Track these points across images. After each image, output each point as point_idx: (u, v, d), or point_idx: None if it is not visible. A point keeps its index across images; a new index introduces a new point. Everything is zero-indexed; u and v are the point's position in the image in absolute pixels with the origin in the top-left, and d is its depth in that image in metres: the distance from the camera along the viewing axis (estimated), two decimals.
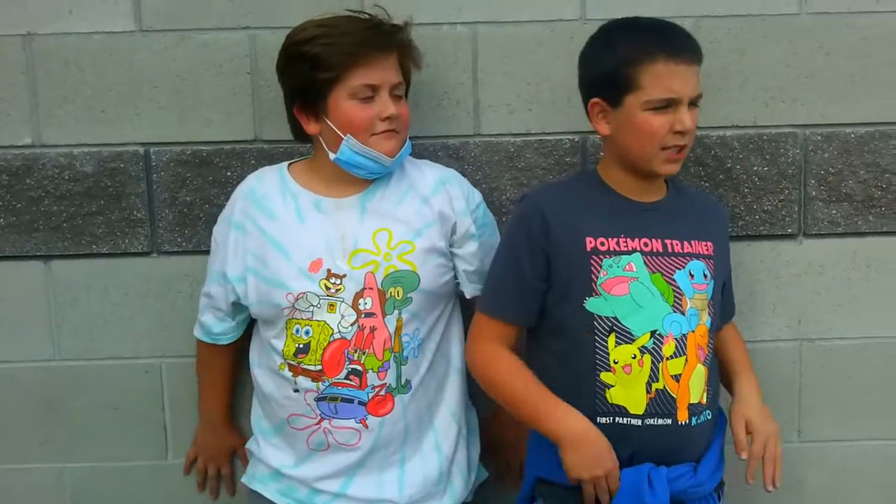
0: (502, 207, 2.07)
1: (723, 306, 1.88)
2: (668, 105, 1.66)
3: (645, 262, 1.71)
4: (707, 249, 1.77)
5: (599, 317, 1.69)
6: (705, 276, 1.76)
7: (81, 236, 2.10)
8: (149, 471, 2.18)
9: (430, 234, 1.85)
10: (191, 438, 2.15)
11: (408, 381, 1.84)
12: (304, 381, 1.81)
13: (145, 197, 2.09)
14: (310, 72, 1.78)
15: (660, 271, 1.72)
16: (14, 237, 2.10)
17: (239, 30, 2.03)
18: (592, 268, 1.70)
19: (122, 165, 2.07)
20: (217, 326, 1.97)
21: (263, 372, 1.89)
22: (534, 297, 1.74)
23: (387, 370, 1.82)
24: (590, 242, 1.71)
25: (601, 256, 1.70)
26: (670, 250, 1.74)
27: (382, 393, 1.82)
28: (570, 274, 1.71)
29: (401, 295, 1.81)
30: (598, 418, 1.69)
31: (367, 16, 1.85)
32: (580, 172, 1.97)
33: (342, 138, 1.79)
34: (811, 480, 2.20)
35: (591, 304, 1.70)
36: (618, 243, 1.72)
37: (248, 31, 2.03)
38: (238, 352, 2.03)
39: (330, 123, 1.81)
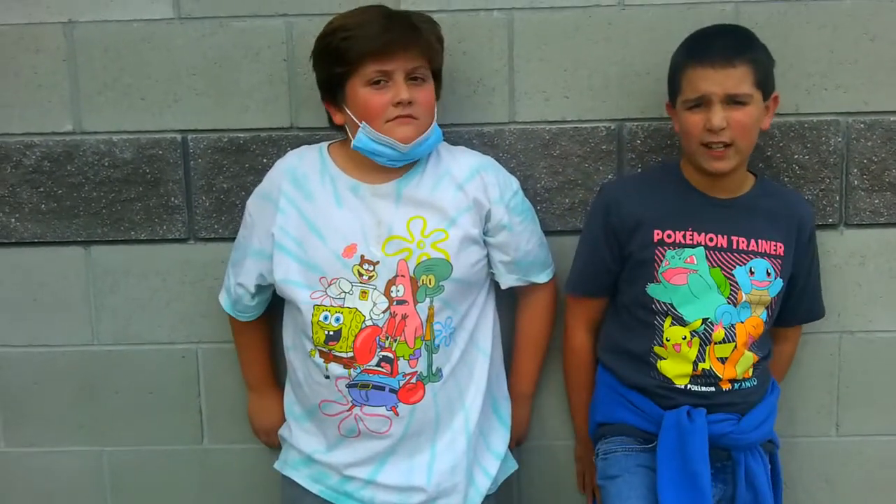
0: (537, 195, 2.06)
1: (792, 306, 1.95)
2: (699, 104, 1.76)
3: (707, 256, 1.83)
4: (776, 249, 1.85)
5: (658, 301, 1.85)
6: (769, 273, 1.84)
7: (120, 222, 2.12)
8: (185, 455, 2.20)
9: (464, 222, 1.85)
10: (226, 424, 2.18)
11: (439, 370, 1.84)
12: (335, 368, 1.82)
13: (183, 183, 2.11)
14: (330, 65, 1.81)
15: (720, 266, 1.84)
16: (55, 223, 2.13)
17: (276, 17, 2.04)
18: (656, 257, 1.84)
19: (160, 152, 2.10)
20: (238, 304, 1.99)
21: (297, 355, 1.90)
22: (608, 276, 1.93)
23: (418, 358, 1.82)
24: (657, 234, 1.84)
25: (666, 248, 1.84)
26: (735, 247, 1.84)
27: (413, 381, 1.82)
28: (638, 261, 1.86)
29: (433, 283, 1.81)
30: (649, 380, 1.87)
31: (389, 8, 1.86)
32: (660, 165, 2.00)
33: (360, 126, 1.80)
34: (849, 475, 2.16)
35: (652, 289, 1.85)
36: (684, 236, 1.84)
37: (286, 18, 2.04)
38: (269, 320, 2.04)
39: (349, 113, 1.82)
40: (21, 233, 2.13)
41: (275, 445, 2.10)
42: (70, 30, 2.07)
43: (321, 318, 1.82)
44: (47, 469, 2.23)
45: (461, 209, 1.85)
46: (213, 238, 2.12)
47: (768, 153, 2.03)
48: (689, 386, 1.85)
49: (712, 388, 1.86)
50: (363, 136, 1.80)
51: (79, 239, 2.14)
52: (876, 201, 2.05)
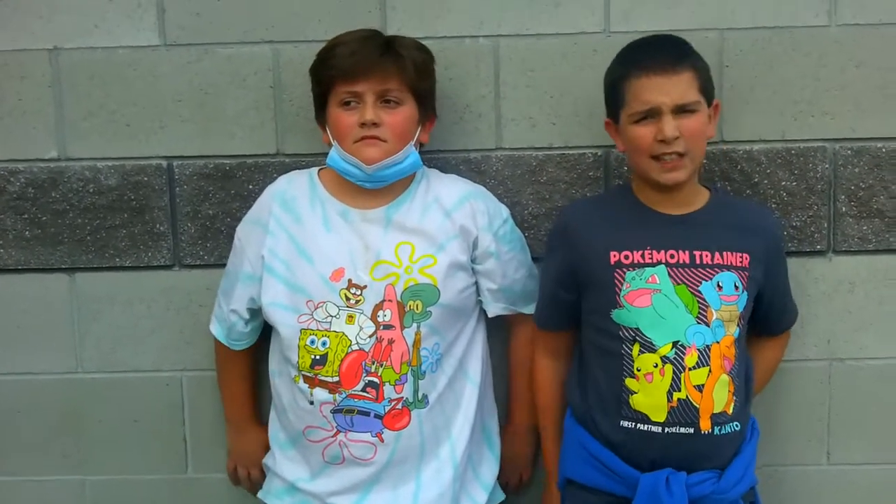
0: (524, 222, 2.05)
1: (775, 315, 1.90)
2: (648, 116, 1.72)
3: (669, 274, 1.75)
4: (741, 261, 1.78)
5: (624, 327, 1.76)
6: (736, 287, 1.77)
7: (105, 249, 2.11)
8: (169, 484, 2.18)
9: (452, 249, 1.84)
10: (210, 452, 2.15)
11: (425, 396, 1.82)
12: (320, 393, 1.80)
13: (168, 210, 2.09)
14: (314, 86, 1.87)
15: (685, 283, 1.76)
16: (39, 249, 2.11)
17: (262, 44, 2.04)
18: (616, 280, 1.76)
19: (145, 179, 2.09)
20: (232, 332, 1.97)
21: (282, 381, 1.89)
22: (567, 308, 1.85)
23: (404, 383, 1.80)
24: (614, 256, 1.77)
25: (625, 269, 1.76)
26: (698, 262, 1.76)
27: (399, 406, 1.81)
28: (597, 286, 1.78)
29: (420, 308, 1.80)
30: (622, 422, 1.76)
31: (369, 32, 1.87)
32: (615, 187, 1.97)
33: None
34: None
35: (617, 314, 1.77)
36: (643, 256, 1.76)
37: (272, 45, 2.04)
38: (256, 352, 2.02)
39: (329, 133, 1.85)
40: (5, 260, 2.12)
41: (251, 485, 2.08)
42: (55, 56, 2.06)
43: (307, 342, 1.81)
44: (30, 499, 2.20)
45: (449, 236, 1.85)
46: (199, 265, 2.11)
47: (755, 180, 2.03)
48: (665, 428, 1.73)
49: (691, 430, 1.73)
50: (334, 154, 1.83)
51: (63, 266, 2.12)
52: (864, 228, 2.05)
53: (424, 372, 1.82)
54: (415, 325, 1.81)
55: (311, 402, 1.81)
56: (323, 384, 1.80)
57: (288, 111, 2.05)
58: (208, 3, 2.03)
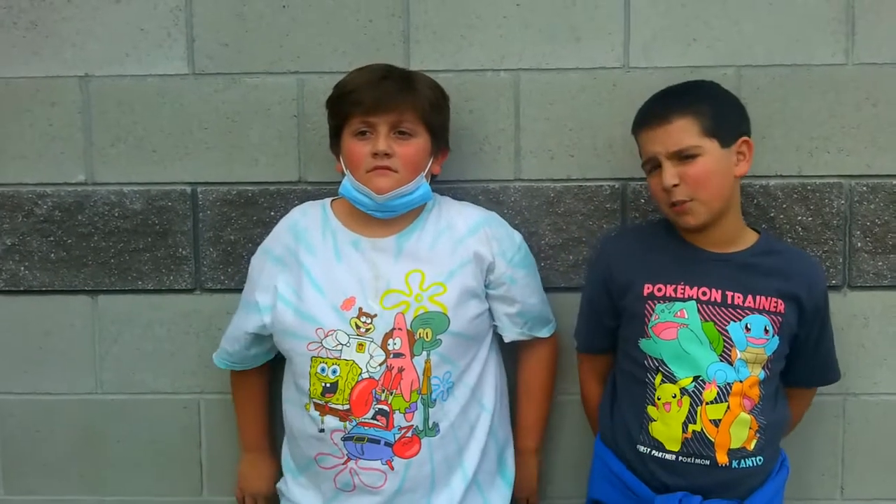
0: (541, 252, 2.08)
1: (803, 368, 1.89)
2: (655, 166, 1.79)
3: (699, 310, 1.79)
4: (776, 306, 1.80)
5: (650, 356, 1.81)
6: (766, 331, 1.79)
7: (128, 272, 2.14)
8: None
9: (464, 276, 1.86)
10: (226, 476, 2.16)
11: (436, 424, 1.83)
12: (331, 421, 1.82)
13: (191, 235, 2.13)
14: (330, 117, 1.91)
15: (713, 320, 1.79)
16: (63, 272, 2.15)
17: (288, 74, 2.08)
18: (646, 311, 1.82)
19: (169, 204, 2.12)
20: (234, 354, 1.99)
21: (292, 409, 1.90)
22: (607, 332, 1.92)
23: (414, 412, 1.81)
24: (647, 287, 1.82)
25: (656, 301, 1.81)
26: (729, 301, 1.79)
27: (409, 434, 1.81)
28: (630, 315, 1.84)
29: (430, 336, 1.82)
30: (638, 447, 1.82)
31: (386, 66, 1.91)
32: (658, 220, 1.98)
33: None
34: None
35: (644, 344, 1.82)
36: (675, 290, 1.81)
37: (297, 75, 2.08)
38: (268, 378, 2.05)
39: (342, 162, 1.88)
40: (30, 281, 2.15)
41: None
42: (86, 83, 2.11)
43: (318, 370, 1.82)
44: None
45: (461, 263, 1.87)
46: (220, 289, 2.14)
47: (772, 214, 2.05)
48: (680, 457, 1.77)
49: (706, 462, 1.77)
50: (346, 184, 1.86)
51: (86, 288, 2.15)
52: (879, 263, 2.06)
53: (435, 400, 1.83)
54: (425, 353, 1.82)
55: (322, 430, 1.82)
56: (333, 412, 1.81)
57: (311, 140, 2.09)
58: (236, 34, 2.08)
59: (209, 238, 2.13)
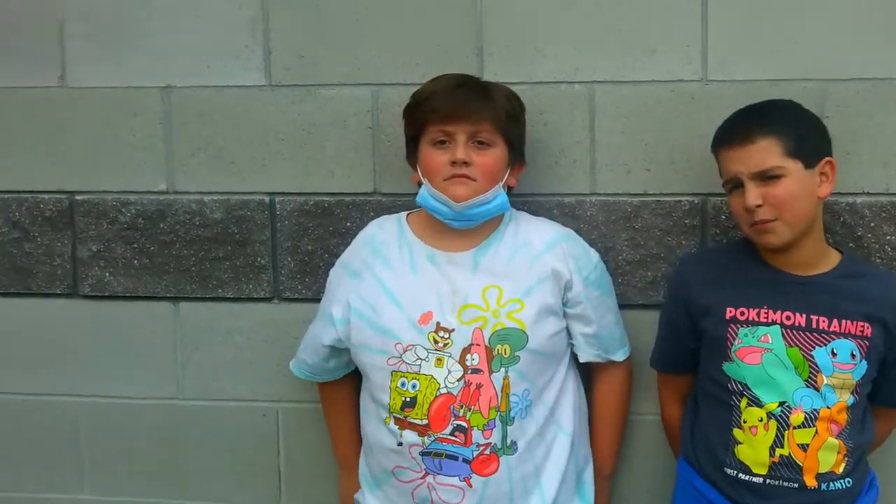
0: (618, 268, 2.06)
1: (879, 386, 1.84)
2: (736, 185, 1.76)
3: (783, 335, 1.76)
4: (861, 330, 1.76)
5: (733, 380, 1.79)
6: (853, 356, 1.75)
7: (208, 280, 2.19)
8: None
9: (542, 293, 1.85)
10: (304, 485, 2.19)
11: (514, 443, 1.83)
12: (409, 435, 1.83)
13: (269, 244, 2.17)
14: (407, 127, 1.92)
15: (798, 345, 1.76)
16: (146, 278, 2.21)
17: (363, 86, 2.10)
18: (729, 335, 1.79)
19: (248, 213, 2.16)
20: (314, 365, 2.02)
21: (370, 422, 1.92)
22: (687, 352, 1.90)
23: (492, 429, 1.81)
24: (730, 312, 1.80)
25: (738, 325, 1.78)
26: (814, 326, 1.76)
27: (487, 452, 1.81)
28: (712, 338, 1.82)
29: (508, 353, 1.82)
30: (725, 469, 1.81)
31: (464, 76, 1.91)
32: (739, 240, 1.94)
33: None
34: None
35: (727, 367, 1.80)
36: (758, 314, 1.78)
37: (371, 87, 2.09)
38: (357, 392, 2.05)
39: (419, 171, 1.88)
40: (114, 287, 2.22)
41: None
42: (167, 94, 2.16)
43: (398, 385, 1.83)
44: None
45: (538, 279, 1.86)
46: (297, 298, 2.17)
47: (859, 233, 1.99)
48: (767, 480, 1.76)
49: (795, 485, 1.76)
50: (424, 192, 1.87)
51: (168, 295, 2.21)
52: None
53: (513, 418, 1.83)
54: (503, 369, 1.82)
55: (401, 444, 1.84)
56: (412, 426, 1.82)
57: (386, 151, 2.10)
58: (312, 46, 2.10)
59: (287, 248, 2.16)
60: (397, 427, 1.84)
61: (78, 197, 2.21)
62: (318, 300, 2.07)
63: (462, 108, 1.81)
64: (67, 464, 2.29)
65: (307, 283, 2.16)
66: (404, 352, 1.83)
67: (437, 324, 1.83)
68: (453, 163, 1.81)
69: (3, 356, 2.28)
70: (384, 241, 1.94)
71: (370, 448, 1.93)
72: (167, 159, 2.18)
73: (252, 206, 2.16)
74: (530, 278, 1.86)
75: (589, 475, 1.99)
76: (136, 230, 2.20)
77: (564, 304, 1.90)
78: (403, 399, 1.83)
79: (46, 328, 2.26)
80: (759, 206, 1.72)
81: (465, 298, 1.84)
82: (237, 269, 2.18)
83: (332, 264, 2.03)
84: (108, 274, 2.22)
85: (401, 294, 1.86)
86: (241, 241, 2.17)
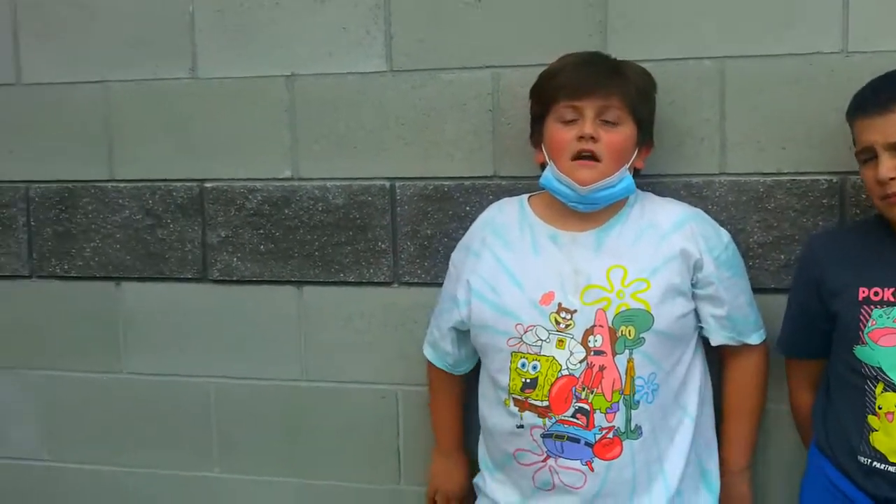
0: (749, 251, 1.96)
1: None
2: (869, 157, 1.68)
3: None
4: None
5: (867, 364, 1.70)
6: None
7: (331, 265, 2.22)
8: (381, 495, 2.25)
9: (669, 273, 1.79)
10: (423, 467, 2.19)
11: (638, 427, 1.77)
12: (530, 417, 1.80)
13: (389, 229, 2.17)
14: (534, 105, 1.88)
15: None
16: (272, 263, 2.25)
17: (483, 69, 2.08)
18: (861, 316, 1.70)
19: (369, 198, 2.18)
20: (445, 356, 2.01)
21: (489, 405, 1.90)
22: (818, 336, 1.80)
23: (615, 412, 1.76)
24: (862, 292, 1.71)
25: (872, 306, 1.70)
26: None
27: (610, 436, 1.77)
28: (844, 320, 1.73)
29: (632, 334, 1.76)
30: (859, 457, 1.72)
31: (594, 53, 1.89)
32: (871, 218, 1.85)
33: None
34: None
35: (859, 351, 1.71)
36: (894, 294, 1.69)
37: (492, 69, 2.07)
38: (467, 382, 2.05)
39: (544, 151, 1.84)
40: (242, 271, 2.28)
41: None
42: (292, 82, 2.20)
43: (519, 365, 1.80)
44: (253, 498, 2.34)
45: (665, 259, 1.80)
46: (416, 283, 2.17)
47: None
48: None
49: None
50: (548, 174, 1.83)
51: (292, 279, 2.25)
52: None
53: (638, 402, 1.77)
54: (627, 351, 1.76)
55: (521, 426, 1.81)
56: (533, 408, 1.79)
57: (505, 134, 2.07)
58: (432, 31, 2.10)
59: (406, 232, 2.16)
60: (517, 409, 1.81)
61: (207, 185, 2.27)
62: (438, 284, 2.07)
63: (591, 84, 1.78)
64: (198, 443, 2.36)
65: (426, 268, 2.16)
66: (525, 332, 1.80)
67: (559, 304, 1.79)
68: (580, 138, 1.77)
69: (137, 338, 2.37)
70: (504, 222, 1.91)
71: (489, 433, 1.91)
72: (292, 146, 2.22)
73: (373, 192, 2.17)
74: (656, 258, 1.80)
75: (714, 465, 1.92)
76: (261, 216, 2.24)
77: (694, 286, 1.82)
78: (524, 380, 1.80)
79: (177, 312, 2.33)
80: (892, 178, 1.63)
81: (588, 279, 1.79)
82: (358, 253, 2.20)
83: (451, 248, 2.02)
84: (235, 259, 2.28)
85: (521, 274, 1.84)
86: (361, 226, 2.19)
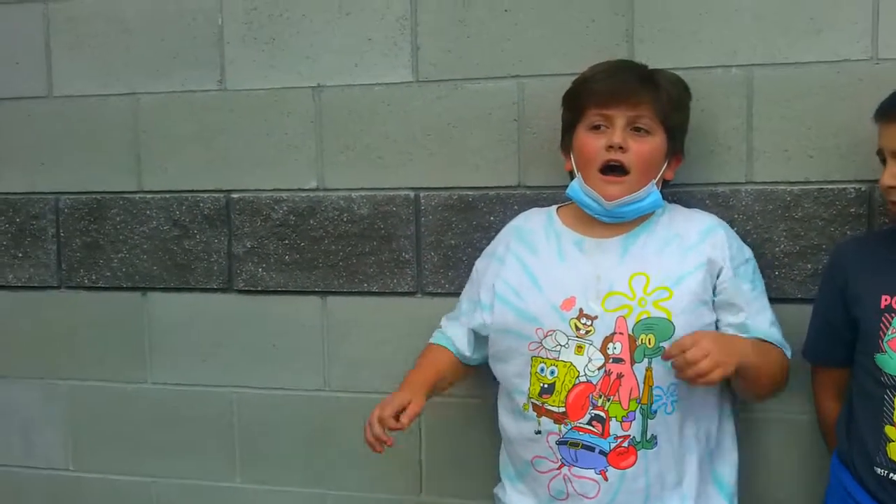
0: (775, 260, 1.94)
1: None
2: (883, 159, 1.66)
3: None
4: None
5: (886, 373, 1.67)
6: None
7: (355, 275, 2.22)
8: None
9: (693, 282, 1.77)
10: (445, 478, 2.18)
11: (654, 437, 1.75)
12: (546, 423, 1.78)
13: (413, 239, 2.17)
14: (565, 111, 1.87)
15: None
16: (297, 273, 2.26)
17: (508, 78, 2.08)
18: (882, 324, 1.68)
19: (394, 209, 2.18)
20: (470, 358, 1.99)
21: (506, 414, 1.88)
22: (842, 343, 1.78)
23: (631, 421, 1.74)
24: (885, 300, 1.69)
25: (893, 314, 1.67)
26: None
27: (625, 445, 1.74)
28: (864, 327, 1.72)
29: (652, 343, 1.73)
30: (875, 468, 1.69)
31: (628, 62, 1.88)
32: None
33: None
34: None
35: (879, 359, 1.69)
36: None
37: (517, 79, 2.07)
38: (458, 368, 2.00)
39: (573, 159, 1.84)
40: (266, 282, 2.28)
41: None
42: (318, 93, 2.21)
43: (538, 370, 1.79)
44: None
45: (690, 269, 1.78)
46: (440, 293, 2.17)
47: None
48: None
49: None
50: (575, 185, 1.83)
51: (317, 289, 2.25)
52: None
53: (655, 412, 1.74)
54: (646, 360, 1.74)
55: (539, 432, 1.79)
56: (549, 413, 1.78)
57: (531, 144, 2.07)
58: (458, 41, 2.11)
59: (430, 242, 2.16)
60: (535, 413, 1.79)
61: (234, 195, 2.29)
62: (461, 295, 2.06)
63: (622, 91, 1.77)
64: (221, 452, 2.36)
65: (450, 278, 2.15)
66: (545, 337, 1.79)
67: (580, 310, 1.78)
68: (609, 147, 1.77)
69: (162, 348, 2.38)
70: (531, 229, 1.91)
71: (510, 441, 1.89)
72: (318, 157, 2.23)
73: (398, 202, 2.18)
74: (682, 268, 1.78)
75: (730, 474, 1.87)
76: (287, 227, 2.25)
77: (714, 294, 1.80)
78: (542, 385, 1.78)
79: (202, 321, 2.35)
80: (892, 186, 1.63)
81: (611, 286, 1.78)
82: (382, 263, 2.20)
83: (475, 259, 2.02)
84: (260, 269, 2.28)
85: (544, 279, 1.83)
86: (386, 237, 2.19)
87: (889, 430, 1.67)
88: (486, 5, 2.08)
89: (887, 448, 1.67)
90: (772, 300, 1.89)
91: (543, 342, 1.79)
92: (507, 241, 1.92)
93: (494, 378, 1.94)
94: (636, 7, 1.99)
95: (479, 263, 1.98)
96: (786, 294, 1.94)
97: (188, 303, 2.35)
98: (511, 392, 1.85)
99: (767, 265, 1.92)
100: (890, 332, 1.66)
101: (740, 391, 1.85)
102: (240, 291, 2.31)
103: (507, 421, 1.89)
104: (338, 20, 2.18)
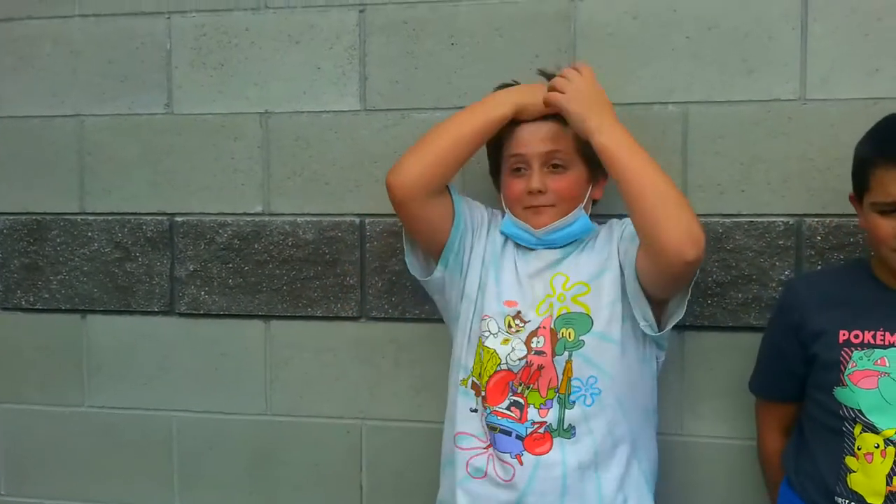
0: (707, 289, 2.01)
1: None
2: (893, 210, 1.65)
3: None
4: None
5: (846, 406, 1.71)
6: None
7: (299, 299, 2.23)
8: None
9: (608, 277, 1.83)
10: (385, 500, 2.18)
11: (572, 427, 1.78)
12: (480, 401, 1.83)
13: (358, 264, 2.20)
14: (488, 154, 1.96)
15: None
16: (240, 297, 2.26)
17: (454, 109, 2.11)
18: (842, 359, 1.72)
19: (339, 234, 2.20)
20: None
21: (453, 388, 1.90)
22: (793, 379, 1.82)
23: (549, 409, 1.78)
24: (843, 335, 1.73)
25: (853, 349, 1.72)
26: None
27: (542, 431, 1.78)
28: (823, 363, 1.74)
29: (572, 336, 1.80)
30: (837, 498, 1.72)
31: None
32: (852, 262, 1.90)
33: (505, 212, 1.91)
34: None
35: (839, 392, 1.72)
36: (874, 337, 1.71)
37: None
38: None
39: (502, 200, 1.92)
40: (209, 305, 2.28)
41: None
42: (266, 119, 2.23)
43: (480, 353, 1.84)
44: None
45: (604, 264, 1.84)
46: (384, 318, 2.19)
47: None
48: None
49: None
50: (508, 221, 1.90)
51: (260, 313, 2.26)
52: None
53: (574, 402, 1.78)
54: (566, 353, 1.79)
55: (474, 410, 1.84)
56: (478, 393, 1.83)
57: (475, 172, 2.10)
58: (406, 73, 2.15)
59: (375, 268, 2.19)
60: (473, 392, 1.84)
61: (178, 218, 2.29)
62: (405, 319, 2.13)
63: (533, 131, 1.85)
64: (160, 477, 2.33)
65: (394, 303, 2.18)
66: (482, 321, 1.85)
67: (518, 313, 1.84)
68: (529, 192, 1.84)
69: (101, 372, 2.36)
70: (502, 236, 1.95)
71: (451, 417, 1.89)
72: (264, 182, 2.24)
73: (343, 227, 2.20)
74: (597, 265, 1.85)
75: (650, 474, 1.88)
76: (231, 251, 2.26)
77: (620, 256, 1.84)
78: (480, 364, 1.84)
79: (143, 345, 2.33)
80: None
81: (545, 292, 1.84)
82: (327, 288, 2.22)
83: (419, 284, 2.03)
84: (203, 293, 2.28)
85: (502, 275, 1.89)
86: (331, 262, 2.21)
87: (850, 461, 1.71)
88: (433, 38, 2.13)
89: (847, 479, 1.71)
90: (704, 328, 1.98)
91: (480, 325, 1.85)
92: (490, 228, 1.94)
93: (438, 403, 1.96)
94: (578, 44, 2.06)
95: (484, 211, 1.97)
96: (717, 322, 2.01)
97: (128, 326, 2.33)
98: (455, 365, 1.89)
99: (700, 294, 1.99)
100: (850, 366, 1.71)
101: (627, 206, 1.77)
102: (182, 314, 2.30)
103: (451, 393, 1.91)
104: (287, 48, 2.21)
